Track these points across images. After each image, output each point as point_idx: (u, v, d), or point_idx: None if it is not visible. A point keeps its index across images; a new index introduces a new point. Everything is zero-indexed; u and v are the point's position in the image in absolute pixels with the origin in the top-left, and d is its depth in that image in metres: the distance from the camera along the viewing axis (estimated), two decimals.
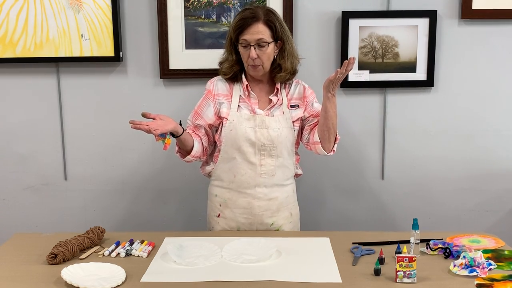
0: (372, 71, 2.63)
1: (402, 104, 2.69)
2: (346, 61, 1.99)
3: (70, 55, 2.62)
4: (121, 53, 2.63)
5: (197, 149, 2.16)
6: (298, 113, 2.20)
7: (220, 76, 2.23)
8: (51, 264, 1.82)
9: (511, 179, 2.75)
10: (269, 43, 2.08)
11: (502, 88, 2.68)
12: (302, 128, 2.24)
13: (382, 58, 2.62)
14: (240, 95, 2.17)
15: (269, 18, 2.09)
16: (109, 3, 2.57)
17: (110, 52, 2.61)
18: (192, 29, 2.61)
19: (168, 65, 2.63)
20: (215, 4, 2.59)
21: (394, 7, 2.59)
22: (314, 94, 2.26)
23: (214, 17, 2.60)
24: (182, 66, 2.64)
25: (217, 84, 2.20)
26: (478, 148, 2.72)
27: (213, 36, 2.61)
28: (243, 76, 2.18)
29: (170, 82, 2.68)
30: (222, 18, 2.60)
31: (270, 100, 2.17)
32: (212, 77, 2.26)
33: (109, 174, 2.77)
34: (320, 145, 2.16)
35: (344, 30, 2.58)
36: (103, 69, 2.67)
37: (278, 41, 2.13)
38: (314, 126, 2.21)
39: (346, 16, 2.57)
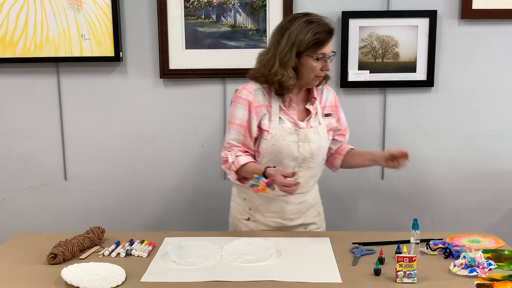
0: (372, 71, 2.63)
1: (402, 104, 2.69)
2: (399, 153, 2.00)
3: (70, 55, 2.62)
4: (121, 53, 2.63)
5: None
6: (332, 122, 2.15)
7: (253, 84, 2.06)
8: (51, 264, 1.82)
9: (511, 179, 2.75)
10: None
11: (502, 88, 2.68)
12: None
13: (382, 58, 2.62)
14: (279, 106, 2.05)
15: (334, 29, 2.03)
16: (109, 3, 2.57)
17: (110, 52, 2.61)
18: (192, 29, 2.61)
19: (168, 65, 2.63)
20: (215, 4, 2.59)
21: (394, 7, 2.59)
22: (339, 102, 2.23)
23: (214, 17, 2.60)
24: (182, 66, 2.64)
25: (257, 94, 2.03)
26: (478, 148, 2.72)
27: (213, 36, 2.61)
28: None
29: (170, 82, 2.68)
30: (222, 18, 2.60)
31: (307, 110, 2.09)
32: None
33: (109, 174, 2.77)
34: (337, 171, 2.26)
35: (344, 30, 2.58)
36: (103, 69, 2.67)
37: None
38: (339, 150, 2.22)
39: (346, 16, 2.57)
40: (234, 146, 2.05)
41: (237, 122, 2.04)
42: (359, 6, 2.59)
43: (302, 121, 2.08)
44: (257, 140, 2.07)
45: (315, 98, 2.11)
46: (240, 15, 2.59)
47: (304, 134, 2.05)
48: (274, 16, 2.58)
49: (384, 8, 2.60)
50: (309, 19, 1.99)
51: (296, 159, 2.06)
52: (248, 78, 2.09)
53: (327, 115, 2.15)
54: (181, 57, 2.62)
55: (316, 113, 2.11)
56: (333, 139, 2.20)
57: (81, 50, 2.62)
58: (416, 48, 2.61)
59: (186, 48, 2.63)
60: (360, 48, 2.61)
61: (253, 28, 2.60)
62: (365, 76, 2.63)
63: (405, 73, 2.63)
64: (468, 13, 2.57)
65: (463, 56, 2.64)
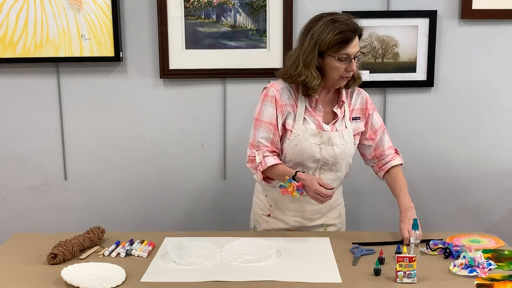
0: (372, 71, 2.63)
1: (402, 104, 2.69)
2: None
3: (70, 55, 2.62)
4: (121, 53, 2.63)
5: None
6: (360, 126, 2.11)
7: (280, 82, 2.05)
8: (51, 264, 1.82)
9: (511, 179, 2.75)
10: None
11: (502, 88, 2.68)
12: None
13: (382, 58, 2.62)
14: (306, 106, 2.02)
15: (362, 29, 1.98)
16: (109, 3, 2.57)
17: (110, 52, 2.61)
18: (192, 29, 2.61)
19: (168, 65, 2.63)
20: (215, 4, 2.59)
21: (394, 7, 2.59)
22: (373, 104, 2.17)
23: (214, 17, 2.60)
24: (182, 66, 2.64)
25: (283, 94, 2.02)
26: (478, 148, 2.72)
27: (213, 36, 2.61)
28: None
29: (170, 82, 2.68)
30: (222, 18, 2.60)
31: (334, 113, 2.06)
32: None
33: (109, 174, 2.77)
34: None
35: None
36: (103, 69, 2.67)
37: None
38: (380, 164, 2.21)
39: None
40: (262, 146, 2.03)
41: (265, 120, 2.02)
42: (359, 6, 2.59)
43: (328, 123, 2.05)
44: (281, 139, 2.06)
45: (343, 101, 2.07)
46: (240, 15, 2.59)
47: (328, 137, 2.02)
48: (274, 16, 2.58)
49: (384, 8, 2.60)
50: (334, 18, 1.95)
51: (318, 161, 2.04)
52: (277, 76, 2.08)
53: (355, 118, 2.10)
54: (181, 57, 2.62)
55: (344, 116, 2.07)
56: (360, 143, 2.16)
57: (81, 50, 2.62)
58: (416, 48, 2.61)
59: (186, 48, 2.63)
60: (360, 48, 2.60)
61: (253, 28, 2.61)
62: (365, 76, 2.63)
63: (405, 73, 2.63)
64: (468, 13, 2.57)
65: (463, 56, 2.64)
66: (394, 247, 1.87)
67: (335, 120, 2.06)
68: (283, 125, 2.03)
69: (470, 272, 1.70)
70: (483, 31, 2.62)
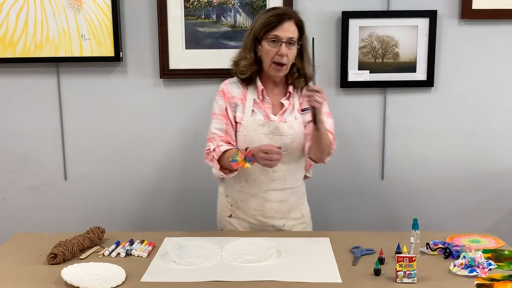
0: (372, 71, 2.63)
1: (402, 104, 2.69)
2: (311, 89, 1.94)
3: (70, 55, 2.62)
4: (121, 53, 2.63)
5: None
6: (309, 117, 2.13)
7: (233, 78, 2.17)
8: (51, 264, 1.82)
9: (511, 179, 2.75)
10: (297, 42, 2.05)
11: (502, 88, 2.68)
12: None
13: (382, 58, 2.62)
14: (254, 99, 2.11)
15: (300, 19, 2.08)
16: (109, 3, 2.57)
17: (110, 52, 2.61)
18: (192, 29, 2.61)
19: (168, 65, 2.63)
20: (215, 4, 2.59)
21: (394, 7, 2.59)
22: (325, 100, 2.16)
23: (214, 17, 2.60)
24: (182, 66, 2.64)
25: (232, 87, 2.14)
26: (478, 148, 2.72)
27: (213, 36, 2.61)
28: (258, 79, 2.13)
29: (170, 82, 2.68)
30: (222, 18, 2.60)
31: (283, 104, 2.13)
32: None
33: (109, 174, 2.77)
34: (310, 159, 2.16)
35: (344, 30, 2.58)
36: (103, 69, 2.67)
37: (299, 46, 2.08)
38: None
39: (346, 16, 2.58)
40: (217, 136, 2.10)
41: (217, 112, 2.13)
42: (359, 6, 2.59)
43: (276, 115, 2.10)
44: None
45: (290, 93, 2.13)
46: (240, 15, 2.59)
47: (275, 127, 2.08)
48: None
49: (384, 8, 2.60)
50: (272, 8, 2.12)
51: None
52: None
53: (304, 110, 2.14)
54: (181, 57, 2.62)
55: (293, 108, 2.13)
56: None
57: (81, 50, 2.62)
58: (416, 48, 2.61)
59: (186, 48, 2.63)
60: (360, 48, 2.61)
61: None
62: (365, 76, 2.63)
63: (405, 73, 2.63)
64: (468, 13, 2.57)
65: (463, 56, 2.64)
66: (394, 247, 1.87)
67: (282, 111, 2.11)
68: (234, 118, 2.11)
69: (470, 272, 1.71)
70: (483, 31, 2.62)
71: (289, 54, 2.04)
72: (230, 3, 2.59)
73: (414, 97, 2.68)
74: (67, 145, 2.75)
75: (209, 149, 2.09)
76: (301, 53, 2.11)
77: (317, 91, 1.93)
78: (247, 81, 2.13)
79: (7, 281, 1.71)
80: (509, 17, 2.58)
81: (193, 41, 2.62)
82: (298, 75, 2.12)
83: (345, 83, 2.63)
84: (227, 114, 2.11)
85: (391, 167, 2.75)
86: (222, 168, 2.07)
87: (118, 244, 1.98)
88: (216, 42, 2.61)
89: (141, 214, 2.80)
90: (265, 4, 2.57)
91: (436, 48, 2.60)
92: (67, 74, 2.69)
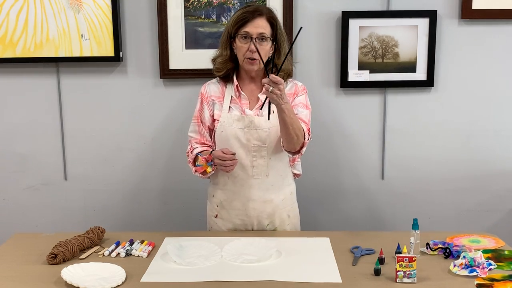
0: (372, 71, 2.63)
1: (402, 104, 2.69)
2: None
3: (70, 55, 2.62)
4: (121, 53, 2.63)
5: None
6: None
7: (213, 80, 2.24)
8: (51, 264, 1.82)
9: (511, 179, 2.75)
10: (269, 38, 2.08)
11: (502, 88, 2.68)
12: None
13: (382, 58, 2.62)
14: (231, 96, 2.16)
15: (272, 15, 2.12)
16: (109, 3, 2.57)
17: (110, 52, 2.61)
18: (192, 29, 2.61)
19: (168, 65, 2.63)
20: (215, 4, 2.59)
21: (394, 7, 2.59)
22: (305, 92, 2.21)
23: (214, 17, 2.60)
24: (182, 66, 2.64)
25: (210, 87, 2.21)
26: (478, 148, 2.72)
27: (213, 36, 2.61)
28: (235, 76, 2.17)
29: (170, 82, 2.68)
30: (222, 18, 2.60)
31: (259, 99, 2.16)
32: (213, 78, 2.26)
33: (109, 174, 2.77)
34: (284, 149, 2.13)
35: (344, 30, 2.58)
36: (103, 69, 2.67)
37: (275, 42, 2.12)
38: None
39: (346, 16, 2.57)
40: (192, 138, 2.22)
41: (195, 114, 2.22)
42: (359, 6, 2.59)
43: (253, 109, 2.14)
44: (213, 132, 2.18)
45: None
46: None
47: (250, 121, 2.11)
48: None
49: (384, 8, 2.60)
50: (246, 5, 2.18)
51: (245, 146, 2.11)
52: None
53: None
54: (181, 57, 2.62)
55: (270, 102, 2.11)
56: None
57: (81, 50, 2.62)
58: (416, 48, 2.61)
59: (186, 48, 2.63)
60: (360, 48, 2.61)
61: None
62: (365, 76, 2.63)
63: (405, 73, 2.63)
64: (468, 13, 2.57)
65: (463, 56, 2.64)
66: (394, 247, 1.87)
67: (259, 105, 2.13)
68: (213, 117, 2.17)
69: (470, 272, 1.71)
70: (483, 31, 2.62)
71: (261, 49, 2.06)
72: (230, 3, 2.59)
73: (414, 97, 2.68)
74: (67, 145, 2.75)
75: (187, 151, 2.22)
76: (278, 49, 2.14)
77: (275, 83, 1.88)
78: (225, 79, 2.19)
79: (7, 281, 1.71)
80: (509, 17, 2.58)
81: (193, 41, 2.62)
82: (275, 71, 2.07)
83: (345, 83, 2.63)
84: (200, 115, 2.20)
85: (391, 167, 2.75)
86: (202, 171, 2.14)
87: (118, 244, 1.98)
88: (216, 42, 2.60)
89: (141, 214, 2.80)
90: (265, 4, 2.57)
91: (436, 48, 2.60)
92: (67, 74, 2.69)
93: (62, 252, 1.84)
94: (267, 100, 1.96)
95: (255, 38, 2.06)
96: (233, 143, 2.12)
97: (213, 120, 2.18)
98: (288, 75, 2.19)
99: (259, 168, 2.13)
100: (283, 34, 2.16)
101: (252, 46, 2.06)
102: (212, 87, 2.21)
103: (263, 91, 1.97)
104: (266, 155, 2.13)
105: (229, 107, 2.15)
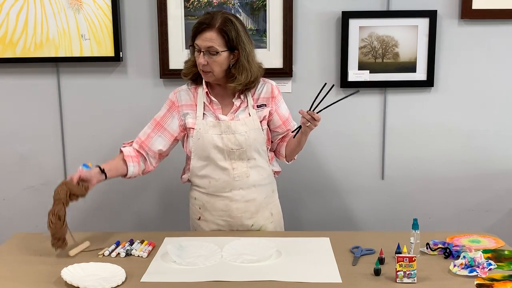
0: (372, 71, 2.63)
1: (402, 104, 2.69)
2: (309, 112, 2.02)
3: (70, 55, 2.62)
4: (121, 53, 2.63)
5: (132, 172, 2.19)
6: (265, 111, 2.15)
7: (183, 86, 2.19)
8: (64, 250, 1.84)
9: (511, 179, 2.75)
10: (219, 52, 2.00)
11: (502, 88, 2.68)
12: (269, 128, 2.21)
13: (382, 58, 2.62)
14: (204, 103, 2.12)
15: (224, 27, 1.99)
16: (109, 3, 2.57)
17: (110, 52, 2.61)
18: None
19: (168, 65, 2.63)
20: (215, 4, 2.59)
21: (394, 7, 2.59)
22: (281, 94, 2.21)
23: None
24: (182, 66, 2.62)
25: (180, 95, 2.16)
26: (478, 148, 2.72)
27: None
28: (203, 82, 2.12)
29: (170, 82, 2.68)
30: None
31: (234, 104, 2.12)
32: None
33: None
34: (285, 159, 2.25)
35: (344, 30, 2.58)
36: (103, 69, 2.67)
37: (235, 51, 2.03)
38: (284, 137, 2.24)
39: (346, 16, 2.58)
40: (138, 138, 2.20)
41: (154, 117, 2.20)
42: (359, 6, 2.59)
43: (227, 114, 2.12)
44: (184, 141, 2.19)
45: (238, 91, 2.11)
46: (240, 15, 2.59)
47: (227, 126, 2.09)
48: (274, 16, 2.58)
49: (384, 8, 2.60)
50: (207, 12, 2.11)
51: (223, 151, 2.11)
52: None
53: (260, 106, 2.15)
54: (181, 57, 2.62)
55: (247, 105, 2.13)
56: (273, 130, 2.22)
57: (81, 50, 2.62)
58: (416, 48, 2.61)
59: (186, 48, 2.63)
60: (360, 48, 2.61)
61: (253, 28, 2.60)
62: (365, 76, 2.63)
63: (405, 73, 2.63)
64: (468, 13, 2.57)
65: (463, 56, 2.64)
66: (394, 247, 1.87)
67: (233, 110, 2.12)
68: (183, 127, 2.15)
69: (470, 272, 1.71)
70: (483, 31, 2.62)
71: (212, 63, 2.01)
72: (230, 3, 2.59)
73: (414, 97, 2.68)
74: (67, 145, 2.75)
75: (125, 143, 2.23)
76: (238, 59, 2.04)
77: (315, 120, 2.01)
78: (195, 82, 2.15)
79: (7, 281, 1.71)
80: (509, 17, 2.58)
81: None
82: (232, 80, 2.07)
83: (345, 83, 2.63)
84: (161, 120, 2.17)
85: (391, 167, 2.75)
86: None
87: (118, 244, 1.98)
88: None
89: (141, 214, 2.80)
90: (265, 4, 2.57)
91: (436, 48, 2.60)
92: (67, 74, 2.69)
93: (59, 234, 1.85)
94: (300, 130, 2.07)
95: (203, 51, 2.01)
96: (211, 149, 2.10)
97: (182, 130, 2.16)
98: (247, 85, 2.08)
99: (240, 170, 2.13)
100: (244, 43, 2.03)
101: (200, 60, 2.01)
102: (183, 95, 2.16)
103: (300, 121, 2.03)
104: (245, 157, 2.13)
105: (203, 113, 2.12)
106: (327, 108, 2.05)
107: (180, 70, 2.62)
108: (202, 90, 2.13)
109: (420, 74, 2.63)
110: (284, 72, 2.62)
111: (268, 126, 2.19)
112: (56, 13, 2.60)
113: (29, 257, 1.89)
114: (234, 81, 2.06)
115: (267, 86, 2.17)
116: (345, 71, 2.62)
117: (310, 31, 2.63)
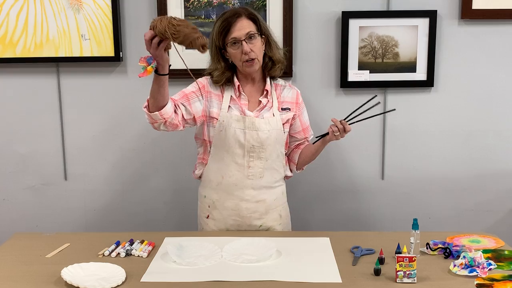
0: (372, 71, 2.63)
1: (402, 104, 2.69)
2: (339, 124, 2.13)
3: (70, 55, 2.62)
4: (121, 53, 2.63)
5: (168, 109, 2.03)
6: (289, 115, 2.20)
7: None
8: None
9: (511, 179, 2.75)
10: (257, 34, 2.09)
11: (502, 88, 2.68)
12: (288, 133, 2.26)
13: (382, 58, 2.62)
14: (231, 96, 2.16)
15: (251, 14, 2.11)
16: (109, 3, 2.57)
17: (110, 52, 2.61)
18: None
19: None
20: (215, 4, 2.59)
21: (394, 7, 2.59)
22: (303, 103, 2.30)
23: (214, 17, 2.60)
24: (182, 66, 2.62)
25: (211, 83, 2.20)
26: (478, 148, 2.72)
27: None
28: (235, 77, 2.18)
29: (170, 82, 2.65)
30: None
31: (260, 102, 2.17)
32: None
33: (109, 174, 2.77)
34: (295, 167, 2.29)
35: (344, 30, 2.58)
36: (103, 69, 2.67)
37: (263, 36, 2.14)
38: (299, 145, 2.28)
39: (346, 16, 2.57)
40: (172, 98, 2.11)
41: (185, 91, 2.16)
42: (359, 6, 2.59)
43: (253, 111, 2.14)
44: (203, 129, 2.19)
45: (267, 91, 2.17)
46: None
47: (251, 122, 2.11)
48: (274, 16, 2.58)
49: (384, 8, 2.60)
50: (223, 12, 2.15)
51: (243, 147, 2.12)
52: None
53: (284, 109, 2.20)
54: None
55: (272, 106, 2.17)
56: (291, 136, 2.27)
57: (81, 50, 2.62)
58: (416, 48, 2.61)
59: (186, 48, 2.62)
60: (360, 48, 2.61)
61: None
62: (365, 76, 2.63)
63: (405, 73, 2.63)
64: (468, 13, 2.57)
65: (463, 56, 2.64)
66: (394, 247, 1.87)
67: (260, 108, 2.15)
68: (205, 112, 2.15)
69: (470, 272, 1.71)
70: (483, 31, 2.62)
71: (254, 48, 2.08)
72: (230, 3, 2.59)
73: (414, 97, 2.68)
74: (67, 145, 2.75)
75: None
76: (268, 42, 2.15)
77: (345, 131, 2.13)
78: (225, 82, 2.19)
79: (7, 281, 1.71)
80: (509, 17, 2.58)
81: None
82: (272, 64, 2.17)
83: (345, 83, 2.63)
84: (189, 96, 2.13)
85: (391, 167, 2.75)
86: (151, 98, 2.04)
87: (118, 244, 1.98)
88: None
89: (141, 214, 2.80)
90: (265, 4, 2.57)
91: (436, 48, 2.60)
92: (67, 74, 2.69)
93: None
94: (324, 137, 2.16)
95: (244, 39, 2.06)
96: (232, 143, 2.12)
97: (203, 115, 2.15)
98: (283, 65, 2.21)
99: (255, 169, 2.15)
100: (267, 27, 2.17)
101: (245, 48, 2.06)
102: (213, 84, 2.20)
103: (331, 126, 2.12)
104: (264, 156, 2.14)
105: (229, 106, 2.15)
106: (357, 120, 2.15)
107: (180, 70, 2.62)
108: (232, 85, 2.16)
109: (420, 74, 2.63)
110: (284, 72, 2.61)
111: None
112: (56, 13, 2.60)
113: (29, 257, 1.89)
114: (275, 63, 2.14)
115: (292, 92, 2.24)
116: (345, 71, 2.62)
117: (310, 31, 2.63)
